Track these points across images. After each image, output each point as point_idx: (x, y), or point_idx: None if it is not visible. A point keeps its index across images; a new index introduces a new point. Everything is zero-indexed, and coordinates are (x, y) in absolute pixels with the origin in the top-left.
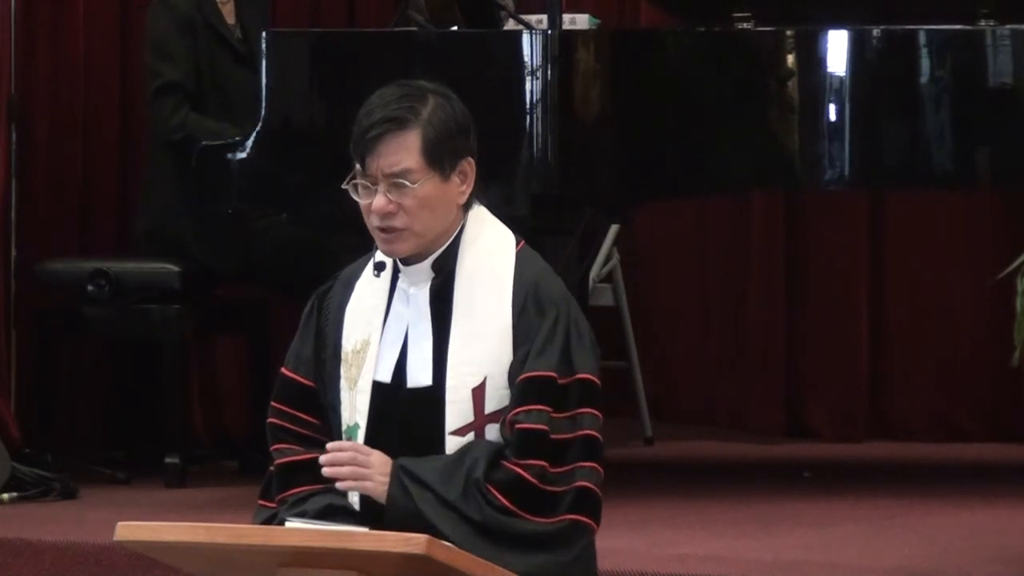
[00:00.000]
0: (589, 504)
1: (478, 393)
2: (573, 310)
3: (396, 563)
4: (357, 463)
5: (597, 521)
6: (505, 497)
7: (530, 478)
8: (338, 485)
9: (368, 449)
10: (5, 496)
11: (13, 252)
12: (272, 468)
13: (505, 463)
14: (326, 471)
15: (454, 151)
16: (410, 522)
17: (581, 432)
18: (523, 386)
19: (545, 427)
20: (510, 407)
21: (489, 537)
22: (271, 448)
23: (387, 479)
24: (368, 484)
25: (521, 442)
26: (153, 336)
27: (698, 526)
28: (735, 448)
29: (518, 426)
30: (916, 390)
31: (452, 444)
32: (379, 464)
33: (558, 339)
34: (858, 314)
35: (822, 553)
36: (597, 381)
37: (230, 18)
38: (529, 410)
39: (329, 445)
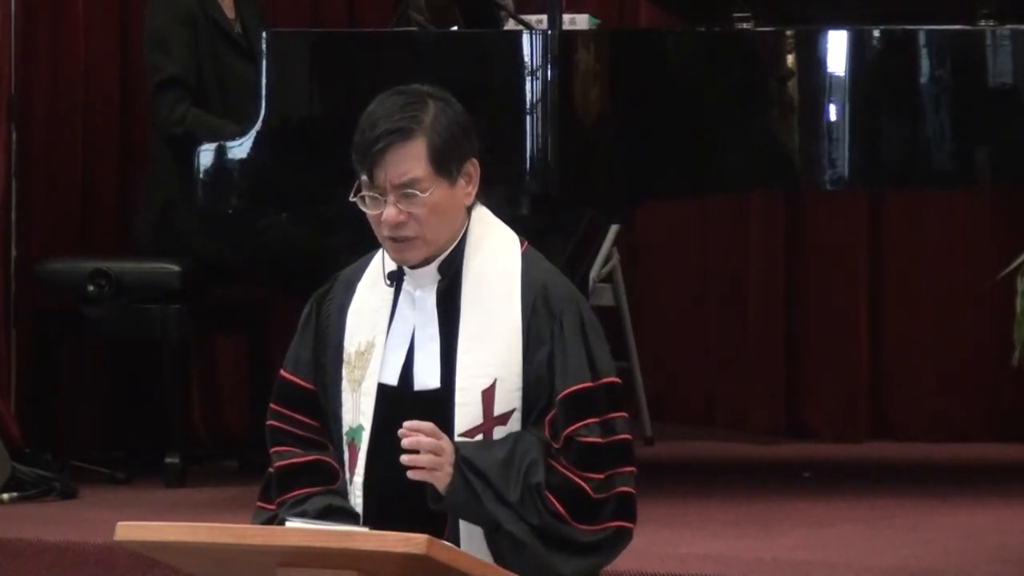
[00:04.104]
0: (629, 508)
1: (488, 395)
2: (583, 308)
3: (396, 563)
4: (437, 453)
5: (635, 521)
6: (561, 504)
7: (590, 491)
8: (410, 474)
9: (443, 436)
10: (5, 496)
11: (13, 252)
12: (271, 470)
13: (562, 469)
14: (404, 458)
15: (459, 155)
16: (469, 513)
17: (616, 437)
18: (569, 403)
19: (601, 440)
20: (560, 425)
21: (542, 538)
22: (270, 450)
23: (452, 471)
24: (438, 475)
25: (582, 454)
26: (153, 336)
27: (698, 526)
28: (735, 448)
29: (580, 439)
30: (916, 390)
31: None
32: (450, 456)
33: (580, 345)
34: (858, 314)
35: (822, 553)
36: (619, 381)
37: (230, 12)
38: (579, 426)
39: (410, 425)
